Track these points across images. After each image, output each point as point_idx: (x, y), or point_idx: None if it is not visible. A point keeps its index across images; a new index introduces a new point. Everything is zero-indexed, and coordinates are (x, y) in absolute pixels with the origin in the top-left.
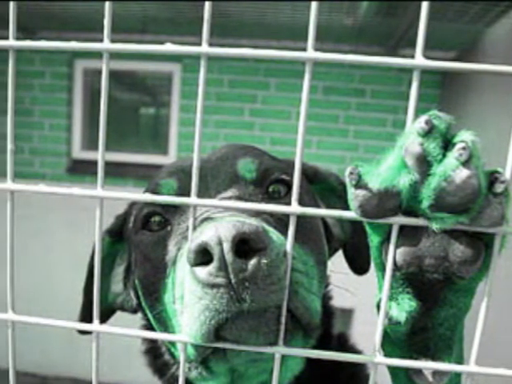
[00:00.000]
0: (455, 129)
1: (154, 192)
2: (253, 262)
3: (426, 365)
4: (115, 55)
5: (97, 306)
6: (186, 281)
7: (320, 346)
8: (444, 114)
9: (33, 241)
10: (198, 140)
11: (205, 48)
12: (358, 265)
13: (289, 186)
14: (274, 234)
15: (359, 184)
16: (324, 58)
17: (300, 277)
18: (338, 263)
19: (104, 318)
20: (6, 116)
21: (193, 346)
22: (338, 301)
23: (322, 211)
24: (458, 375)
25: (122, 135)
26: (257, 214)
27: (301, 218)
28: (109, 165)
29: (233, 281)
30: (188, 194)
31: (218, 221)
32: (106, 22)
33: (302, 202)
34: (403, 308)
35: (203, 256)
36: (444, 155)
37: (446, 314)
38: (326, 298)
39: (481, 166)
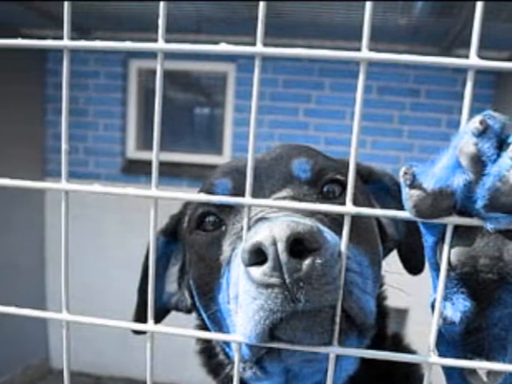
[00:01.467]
0: (510, 129)
1: (209, 192)
2: (307, 261)
3: (481, 365)
4: (170, 55)
5: (151, 306)
6: (240, 281)
7: (374, 345)
8: (498, 114)
9: (87, 241)
10: (252, 140)
11: (259, 48)
12: (413, 265)
13: (343, 185)
14: (329, 234)
15: (414, 184)
16: (378, 58)
17: (354, 277)
18: (392, 263)
19: (158, 318)
20: (61, 116)
21: (247, 346)
22: (393, 301)
23: (377, 211)
24: None
25: (176, 135)
26: (311, 213)
27: (355, 218)
28: (163, 165)
29: (287, 281)
30: (242, 194)
31: (273, 221)
32: (161, 22)
33: (356, 202)
34: (458, 308)
35: (258, 256)
36: (499, 155)
37: (501, 313)
38: (380, 298)
39: None
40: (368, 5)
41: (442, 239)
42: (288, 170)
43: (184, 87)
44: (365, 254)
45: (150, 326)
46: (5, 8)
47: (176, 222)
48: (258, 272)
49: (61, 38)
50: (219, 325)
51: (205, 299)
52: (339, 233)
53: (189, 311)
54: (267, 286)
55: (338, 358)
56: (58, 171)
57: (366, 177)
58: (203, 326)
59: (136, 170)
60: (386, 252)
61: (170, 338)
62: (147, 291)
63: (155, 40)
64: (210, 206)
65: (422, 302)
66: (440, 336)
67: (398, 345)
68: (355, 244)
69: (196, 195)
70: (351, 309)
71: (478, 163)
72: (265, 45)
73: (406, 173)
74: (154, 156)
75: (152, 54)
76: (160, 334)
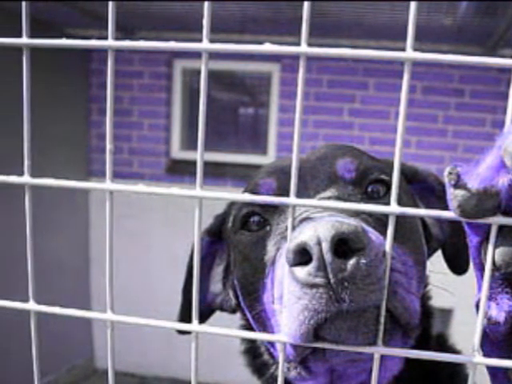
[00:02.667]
0: None
1: (253, 192)
2: (352, 261)
3: None
4: (214, 55)
5: (196, 305)
6: (284, 281)
7: (419, 345)
8: None
9: (132, 241)
10: (296, 140)
11: (304, 48)
12: (457, 265)
13: (388, 186)
14: (373, 234)
15: (458, 184)
16: (423, 58)
17: (399, 277)
18: (436, 263)
19: (203, 318)
20: (105, 116)
21: (292, 346)
22: (437, 301)
23: (421, 211)
24: None
25: (220, 135)
26: (356, 213)
27: (400, 218)
28: (208, 165)
29: (332, 281)
30: (287, 194)
31: (317, 221)
32: (205, 22)
33: (400, 202)
34: (502, 308)
35: (302, 256)
36: None
37: None
38: (425, 298)
39: None
40: (413, 5)
41: (486, 239)
42: (333, 170)
43: (228, 87)
44: (409, 254)
45: (194, 326)
46: (49, 8)
47: (220, 222)
48: (302, 272)
49: (105, 37)
50: (264, 325)
51: (249, 299)
52: (384, 233)
53: (233, 311)
54: (312, 285)
55: (383, 358)
56: (103, 171)
57: (410, 177)
58: (248, 326)
59: (180, 170)
60: (431, 252)
61: (214, 338)
62: (191, 291)
63: (200, 40)
64: (254, 206)
65: (467, 302)
66: (484, 336)
67: (443, 345)
68: (400, 244)
69: (240, 195)
70: (396, 309)
71: None
72: (309, 45)
73: (450, 173)
74: (199, 156)
75: (196, 54)
76: (204, 334)
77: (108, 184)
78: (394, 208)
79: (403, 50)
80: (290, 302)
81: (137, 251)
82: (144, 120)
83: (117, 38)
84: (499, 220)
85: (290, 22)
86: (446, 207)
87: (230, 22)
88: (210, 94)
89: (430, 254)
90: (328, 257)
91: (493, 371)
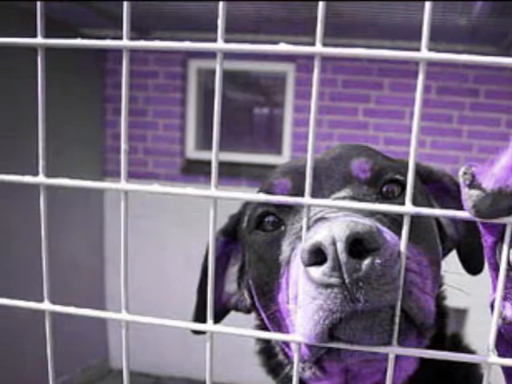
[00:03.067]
0: None
1: (268, 192)
2: (367, 261)
3: None
4: (229, 55)
5: (211, 305)
6: (299, 281)
7: (433, 345)
8: None
9: (146, 241)
10: (311, 140)
11: (319, 48)
12: (472, 265)
13: (403, 186)
14: (388, 234)
15: (473, 184)
16: (438, 58)
17: (414, 277)
18: (451, 263)
19: (218, 318)
20: (120, 116)
21: (307, 346)
22: (452, 301)
23: (436, 211)
24: None
25: (235, 135)
26: (371, 213)
27: (415, 218)
28: (223, 165)
29: (347, 281)
30: (302, 194)
31: (332, 221)
32: (220, 22)
33: (415, 202)
34: None
35: (317, 256)
36: None
37: None
38: (439, 298)
39: None
40: (427, 5)
41: (501, 239)
42: (347, 170)
43: (243, 87)
44: (424, 254)
45: (209, 325)
46: (64, 8)
47: (235, 222)
48: (317, 272)
49: (120, 37)
50: (278, 325)
51: (264, 299)
52: (399, 233)
53: (248, 311)
54: (327, 285)
55: (398, 358)
56: (118, 171)
57: (425, 177)
58: (262, 326)
59: (195, 170)
60: (446, 252)
61: (229, 338)
62: (206, 291)
63: (214, 40)
64: (269, 206)
65: (482, 302)
66: (499, 336)
67: (458, 345)
68: (415, 244)
69: (255, 195)
70: (410, 309)
71: None
72: (324, 45)
73: (465, 173)
74: (214, 156)
75: (211, 54)
76: (219, 334)
77: (123, 184)
78: (408, 208)
79: (418, 50)
80: (305, 302)
81: (151, 251)
82: (159, 120)
83: (132, 38)
84: None
85: (304, 22)
86: (460, 207)
87: (245, 22)
88: (224, 93)
89: (444, 254)
90: (343, 257)
91: (508, 371)
